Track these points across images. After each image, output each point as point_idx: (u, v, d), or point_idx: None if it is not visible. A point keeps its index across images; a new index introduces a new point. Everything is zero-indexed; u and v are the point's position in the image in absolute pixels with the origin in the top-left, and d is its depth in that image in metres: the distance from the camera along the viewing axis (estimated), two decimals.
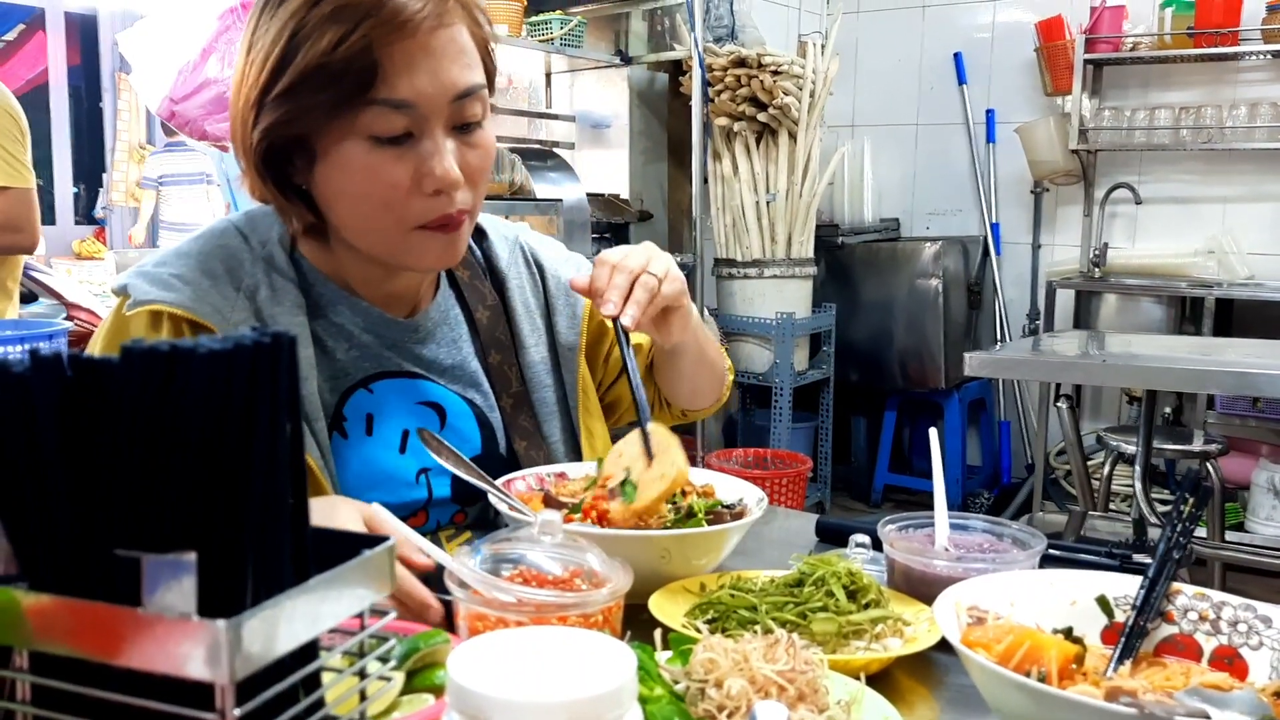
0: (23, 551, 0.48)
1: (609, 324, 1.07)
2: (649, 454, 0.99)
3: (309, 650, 0.51)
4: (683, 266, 4.00)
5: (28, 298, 4.25)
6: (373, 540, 0.56)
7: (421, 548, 0.85)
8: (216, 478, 0.46)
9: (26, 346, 1.73)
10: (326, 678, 0.54)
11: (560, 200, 3.60)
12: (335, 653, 0.53)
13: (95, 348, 1.05)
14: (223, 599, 0.46)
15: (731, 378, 1.35)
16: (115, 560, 0.46)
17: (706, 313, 4.07)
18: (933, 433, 1.09)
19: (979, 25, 4.69)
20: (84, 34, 7.79)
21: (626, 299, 1.04)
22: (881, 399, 4.59)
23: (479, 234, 1.24)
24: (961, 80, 4.69)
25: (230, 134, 1.05)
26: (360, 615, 0.55)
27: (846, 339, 4.38)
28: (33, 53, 7.78)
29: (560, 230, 3.70)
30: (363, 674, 0.56)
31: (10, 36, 7.89)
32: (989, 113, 4.65)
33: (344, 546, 0.55)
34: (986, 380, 4.57)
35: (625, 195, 4.32)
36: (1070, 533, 2.86)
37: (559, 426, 1.19)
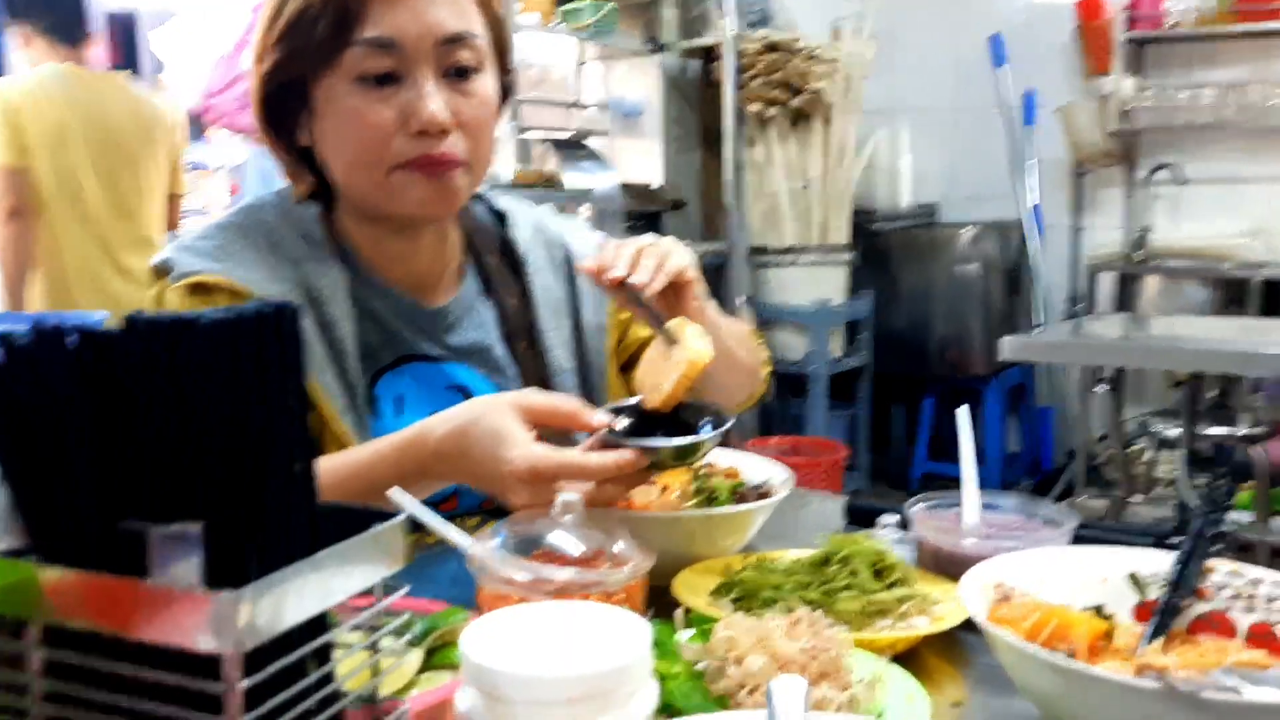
0: (32, 525, 0.48)
1: (622, 296, 1.05)
2: (669, 342, 0.98)
3: (319, 624, 0.51)
4: (717, 254, 4.00)
5: None
6: (384, 515, 0.56)
7: (590, 410, 0.90)
8: (222, 448, 0.46)
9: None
10: (338, 653, 0.53)
11: (592, 190, 3.60)
12: (346, 627, 0.53)
13: None
14: (230, 571, 0.46)
15: (768, 371, 1.33)
16: (123, 532, 0.46)
17: (741, 300, 4.05)
18: (961, 411, 1.07)
19: (1016, 7, 4.61)
20: (125, 34, 7.91)
21: (634, 269, 1.03)
22: (920, 386, 4.54)
23: (501, 217, 1.23)
24: (999, 63, 4.61)
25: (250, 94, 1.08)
26: (373, 591, 0.55)
27: (883, 326, 4.34)
28: None
29: (593, 219, 3.70)
30: (375, 649, 0.56)
31: None
32: (1027, 95, 4.57)
33: (356, 521, 0.55)
34: (1027, 366, 4.50)
35: (658, 184, 4.30)
36: (1110, 518, 2.81)
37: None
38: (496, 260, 1.20)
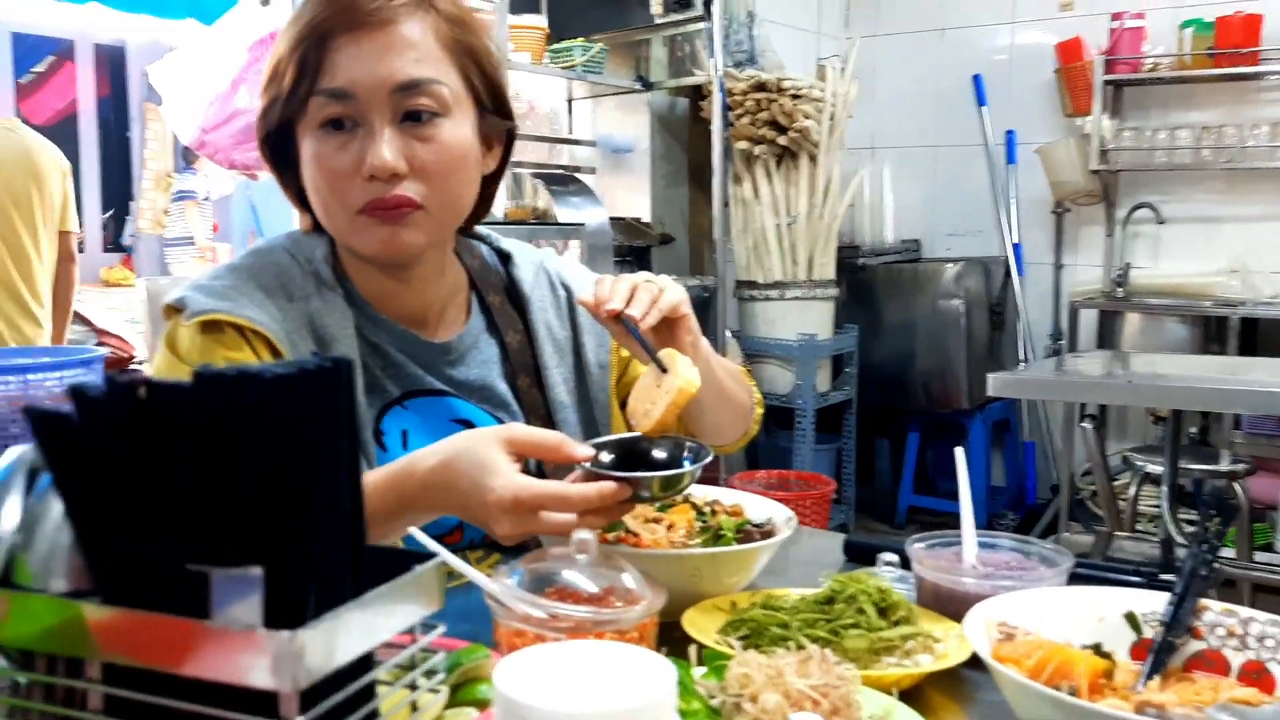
0: (97, 567, 0.50)
1: (618, 329, 1.08)
2: (661, 370, 1.01)
3: (365, 662, 0.54)
4: (704, 289, 4.05)
5: None
6: (422, 557, 0.58)
7: (573, 443, 0.93)
8: (282, 496, 0.48)
9: (64, 373, 1.77)
10: (381, 690, 0.56)
11: (583, 224, 3.63)
12: (388, 665, 0.55)
13: (157, 362, 1.09)
14: (286, 611, 0.49)
15: (760, 411, 1.35)
16: (185, 575, 0.48)
17: (729, 334, 4.09)
18: (959, 452, 1.10)
19: (997, 47, 4.71)
20: (112, 65, 7.92)
21: (629, 303, 1.06)
22: (904, 420, 4.59)
23: (505, 258, 1.27)
24: (981, 102, 4.70)
25: None
26: (411, 630, 0.57)
27: (869, 360, 4.39)
28: (63, 84, 7.91)
29: (583, 254, 3.73)
30: (413, 687, 0.58)
31: (40, 68, 8.02)
32: (1009, 134, 4.66)
33: (396, 562, 0.57)
34: (1010, 401, 4.56)
35: (647, 219, 4.35)
36: (1097, 553, 2.85)
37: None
38: (500, 299, 1.23)
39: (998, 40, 4.71)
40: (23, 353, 1.99)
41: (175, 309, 1.07)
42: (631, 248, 4.18)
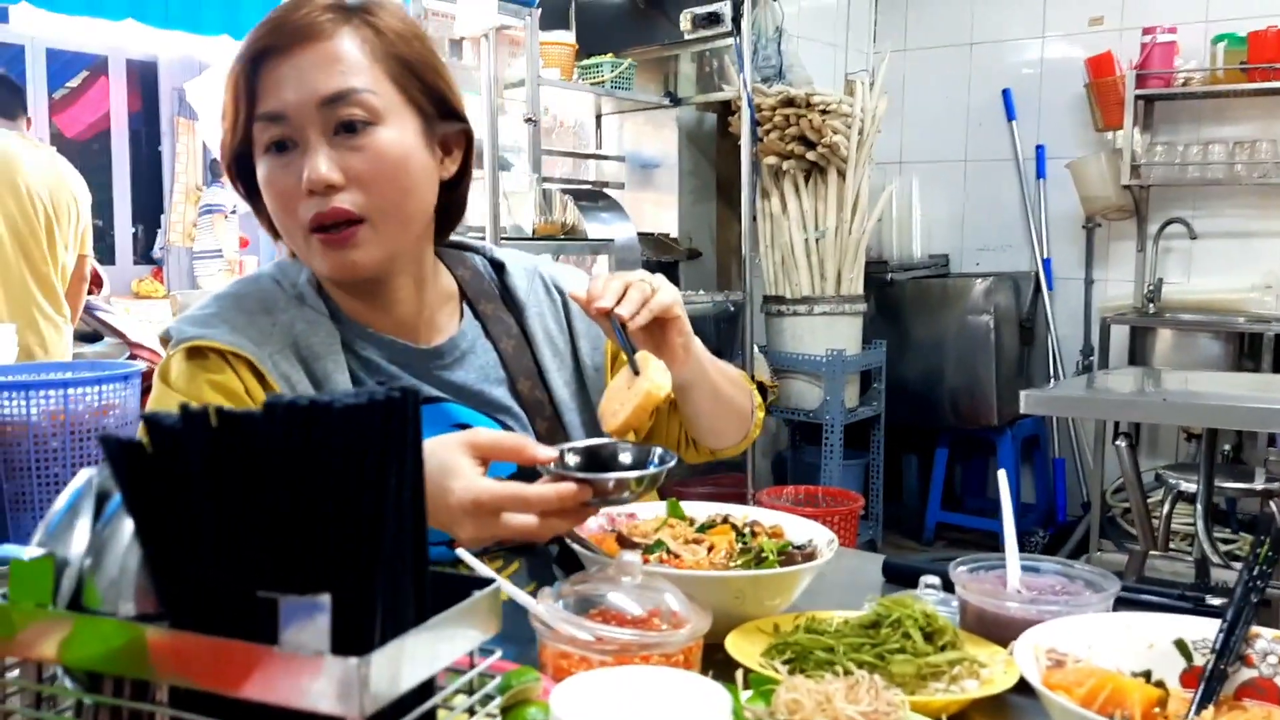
0: (166, 592, 0.51)
1: (607, 325, 1.08)
2: (634, 372, 1.02)
3: (427, 688, 0.54)
4: (732, 304, 4.05)
5: (92, 337, 4.38)
6: (480, 582, 0.59)
7: (536, 445, 0.93)
8: (350, 523, 0.49)
9: (103, 388, 1.80)
10: (441, 715, 0.56)
11: (612, 240, 3.65)
12: (449, 690, 0.56)
13: (153, 389, 1.11)
14: (353, 637, 0.49)
15: (761, 415, 1.35)
16: (254, 601, 0.49)
17: (756, 349, 4.09)
18: (1001, 474, 1.10)
19: (1027, 62, 4.70)
20: (144, 80, 8.03)
21: (620, 301, 1.06)
22: (933, 436, 4.57)
23: (499, 267, 1.28)
24: (1010, 116, 4.69)
25: None
26: (470, 655, 0.58)
27: (897, 376, 4.37)
28: (95, 98, 8.02)
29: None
30: (471, 711, 0.58)
31: (74, 83, 8.14)
32: (1039, 148, 4.64)
33: (455, 587, 0.58)
34: (1040, 417, 4.53)
35: (674, 234, 4.36)
36: (1131, 573, 2.82)
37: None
38: (493, 307, 1.24)
39: (1027, 54, 4.70)
40: (63, 367, 2.02)
41: (165, 339, 1.12)
42: (659, 263, 4.19)
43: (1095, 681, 0.74)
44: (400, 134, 1.06)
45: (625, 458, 0.97)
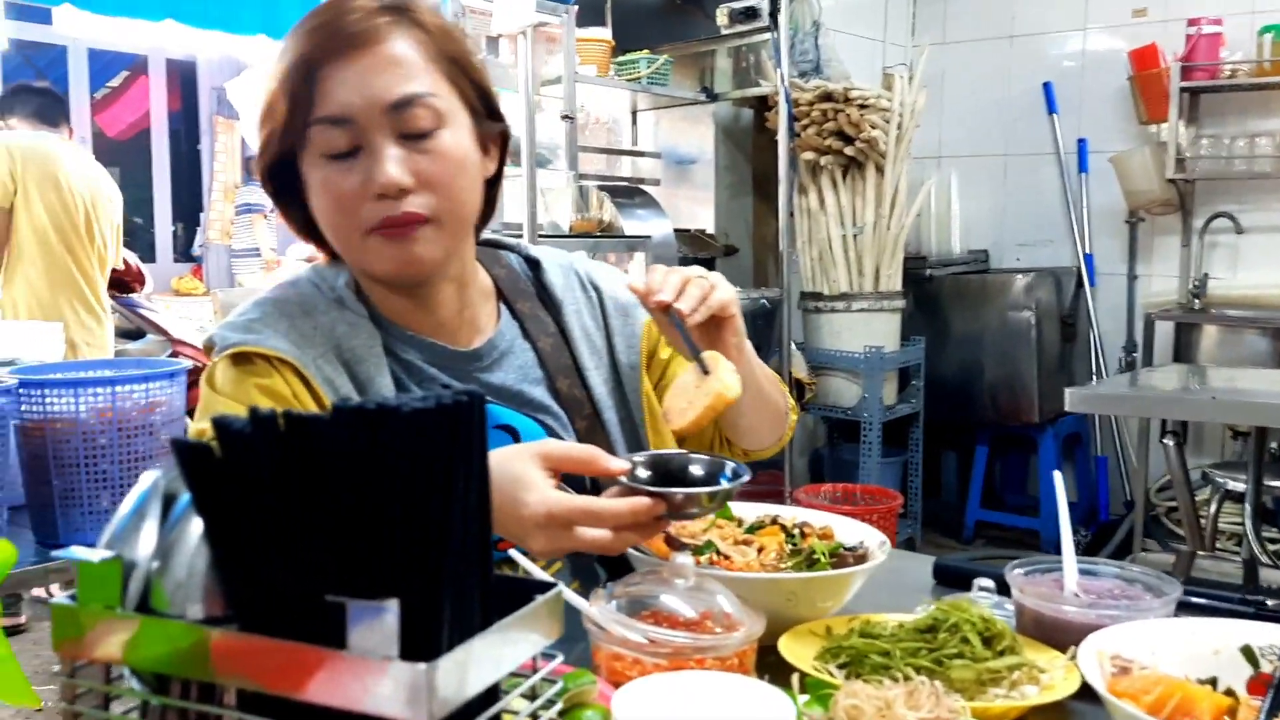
0: (235, 595, 0.51)
1: (663, 320, 1.08)
2: (703, 371, 1.01)
3: (492, 693, 0.54)
4: (769, 300, 4.03)
5: (135, 334, 4.43)
6: (542, 586, 0.58)
7: (608, 457, 0.92)
8: (418, 528, 0.48)
9: (150, 385, 1.81)
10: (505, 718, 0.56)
11: (649, 237, 3.64)
12: (513, 695, 0.55)
13: (200, 395, 1.11)
14: (421, 642, 0.49)
15: (795, 418, 1.34)
16: (323, 605, 0.49)
17: (794, 346, 4.07)
18: (1056, 476, 1.08)
19: (1069, 54, 4.64)
20: (184, 80, 8.12)
21: (679, 296, 1.05)
22: (972, 433, 4.52)
23: (534, 265, 1.27)
24: (1051, 110, 4.63)
25: None
26: (534, 659, 0.57)
27: (936, 372, 4.33)
28: (136, 98, 8.12)
29: (649, 266, 3.73)
30: (534, 716, 0.58)
31: (115, 83, 8.25)
32: (1081, 142, 4.58)
33: (517, 591, 0.57)
34: (1082, 415, 4.47)
35: (711, 230, 4.34)
36: (1179, 573, 2.78)
37: (626, 448, 1.20)
38: (530, 305, 1.23)
39: (1069, 47, 4.64)
40: (110, 365, 2.04)
41: (208, 346, 1.12)
42: (696, 259, 4.18)
43: (1163, 689, 0.72)
44: (459, 135, 1.07)
45: (696, 470, 0.96)
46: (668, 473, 0.95)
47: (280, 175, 1.09)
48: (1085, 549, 4.13)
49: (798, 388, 3.94)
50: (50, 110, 3.77)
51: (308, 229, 1.13)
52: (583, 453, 0.93)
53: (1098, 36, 4.56)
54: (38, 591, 3.59)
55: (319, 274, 1.17)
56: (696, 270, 1.09)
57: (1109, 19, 4.52)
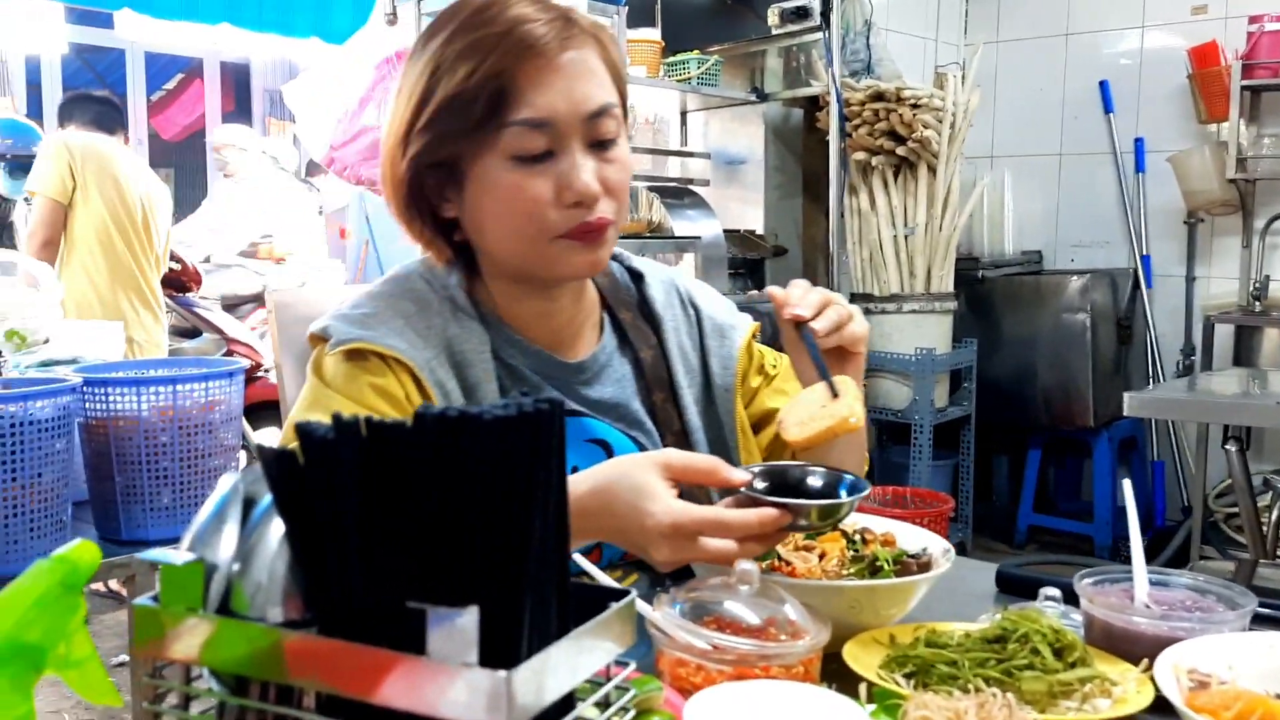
0: (316, 600, 0.51)
1: (793, 335, 1.08)
2: (834, 393, 1.00)
3: (567, 701, 0.54)
4: None
5: (191, 333, 4.51)
6: (617, 594, 0.58)
7: (729, 468, 0.92)
8: (499, 535, 0.48)
9: (210, 384, 1.84)
10: None
11: (699, 238, 3.63)
12: (589, 701, 0.55)
13: (305, 390, 1.11)
14: (500, 649, 0.49)
15: (865, 469, 1.33)
16: (403, 611, 0.49)
17: None
18: (1126, 484, 1.06)
19: (1126, 52, 4.56)
20: (238, 82, 8.25)
21: (818, 314, 1.06)
22: (1025, 437, 4.46)
23: (637, 277, 1.27)
24: (1108, 109, 4.56)
25: (381, 175, 1.13)
26: (608, 666, 0.57)
27: (988, 375, 4.28)
28: (190, 100, 8.26)
29: (697, 267, 3.73)
30: None
31: (170, 85, 8.40)
32: (1138, 141, 4.50)
33: (591, 598, 0.57)
34: (1138, 419, 4.39)
35: (760, 231, 4.33)
36: (1239, 581, 2.72)
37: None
38: (632, 316, 1.23)
39: (1126, 44, 4.56)
40: (169, 364, 2.08)
41: (320, 338, 1.10)
42: (745, 260, 4.16)
43: (1243, 705, 0.71)
44: (626, 145, 1.08)
45: (814, 482, 0.96)
46: (785, 484, 0.94)
47: (425, 177, 1.07)
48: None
49: None
50: (108, 118, 3.86)
51: (441, 231, 1.11)
52: (706, 463, 0.93)
53: (1156, 34, 4.47)
54: (97, 586, 3.67)
55: (429, 271, 1.16)
56: (837, 295, 1.09)
57: (1168, 16, 4.43)
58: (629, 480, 0.90)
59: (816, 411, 0.99)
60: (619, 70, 1.09)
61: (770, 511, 0.87)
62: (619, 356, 1.21)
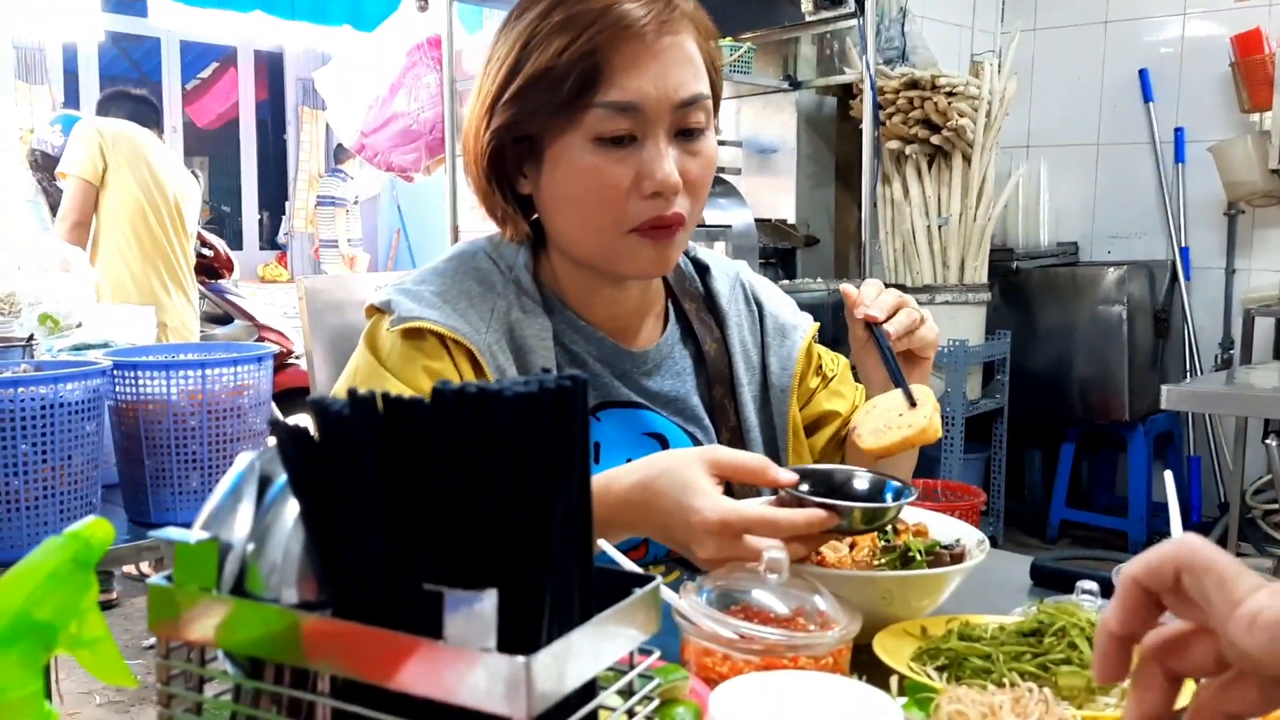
0: (332, 581, 0.50)
1: (863, 335, 1.06)
2: (910, 403, 0.98)
3: (589, 688, 0.52)
4: None
5: (222, 319, 4.54)
6: (641, 579, 0.57)
7: (777, 467, 0.90)
8: (519, 516, 0.47)
9: (239, 369, 1.84)
10: (603, 715, 0.54)
11: (729, 226, 3.61)
12: (610, 691, 0.54)
13: (356, 361, 1.08)
14: (520, 634, 0.47)
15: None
16: (419, 593, 0.47)
17: None
18: (1168, 477, 1.03)
19: (1167, 40, 4.48)
20: (271, 70, 8.29)
21: (891, 316, 1.05)
22: (1058, 430, 4.40)
23: (702, 269, 1.24)
24: (1148, 98, 4.48)
25: (464, 145, 1.10)
26: (631, 654, 0.56)
27: (1021, 367, 4.22)
28: (225, 89, 8.32)
29: (729, 256, 3.70)
30: (631, 714, 0.56)
31: (205, 74, 8.46)
32: (1178, 131, 4.42)
33: (614, 583, 0.56)
34: (1174, 413, 4.32)
35: (792, 220, 4.29)
36: (1278, 578, 2.66)
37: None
38: (696, 307, 1.21)
39: (1167, 33, 4.47)
40: (199, 348, 2.08)
41: (379, 310, 1.08)
42: (776, 249, 4.13)
43: None
44: (712, 139, 1.05)
45: (860, 485, 0.94)
46: (829, 487, 0.93)
47: (506, 151, 1.05)
48: None
49: None
50: (144, 115, 3.89)
51: (520, 206, 1.09)
52: (755, 462, 0.91)
53: (1198, 21, 4.39)
54: (128, 569, 3.71)
55: (496, 249, 1.13)
56: (909, 298, 1.07)
57: (1210, 3, 4.34)
58: (675, 475, 0.88)
59: (893, 420, 0.96)
60: (714, 61, 1.06)
61: (818, 512, 0.86)
62: (680, 348, 1.19)
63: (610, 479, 0.92)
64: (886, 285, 1.10)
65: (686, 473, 0.88)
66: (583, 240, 1.06)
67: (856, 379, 1.30)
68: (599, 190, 1.00)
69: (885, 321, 1.01)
